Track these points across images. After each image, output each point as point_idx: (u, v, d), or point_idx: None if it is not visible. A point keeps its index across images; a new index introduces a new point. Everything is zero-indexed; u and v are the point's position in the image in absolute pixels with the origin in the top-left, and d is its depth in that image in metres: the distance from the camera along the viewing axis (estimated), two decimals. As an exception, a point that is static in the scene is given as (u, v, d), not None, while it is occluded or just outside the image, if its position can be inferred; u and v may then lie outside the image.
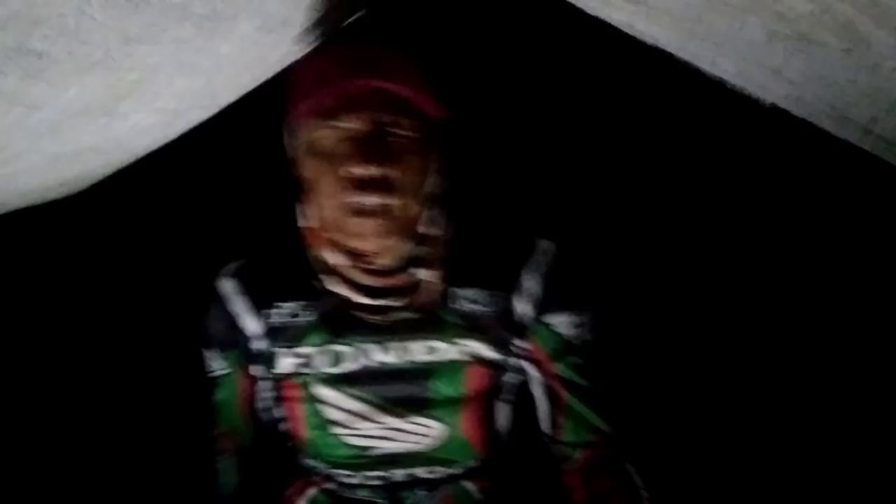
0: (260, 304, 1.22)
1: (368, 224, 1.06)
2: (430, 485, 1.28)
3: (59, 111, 0.81)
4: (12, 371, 1.68)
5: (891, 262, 1.64)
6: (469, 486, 1.30)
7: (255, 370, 1.24)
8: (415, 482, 1.27)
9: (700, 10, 1.01)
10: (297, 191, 1.18)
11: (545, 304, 1.21)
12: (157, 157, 1.41)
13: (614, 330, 1.30)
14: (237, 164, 1.79)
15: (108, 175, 1.45)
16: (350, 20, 1.25)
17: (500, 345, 1.21)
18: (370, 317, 1.17)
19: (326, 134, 1.07)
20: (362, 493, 1.27)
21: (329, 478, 1.29)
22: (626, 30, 1.11)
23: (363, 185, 1.04)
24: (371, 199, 1.04)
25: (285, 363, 1.21)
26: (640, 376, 1.61)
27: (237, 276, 1.24)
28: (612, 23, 1.09)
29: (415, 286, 1.17)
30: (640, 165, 1.81)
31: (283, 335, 1.20)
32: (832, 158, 1.30)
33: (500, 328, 1.21)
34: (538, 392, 1.27)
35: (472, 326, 1.19)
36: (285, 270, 1.22)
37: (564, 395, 1.23)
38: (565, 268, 1.22)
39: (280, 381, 1.23)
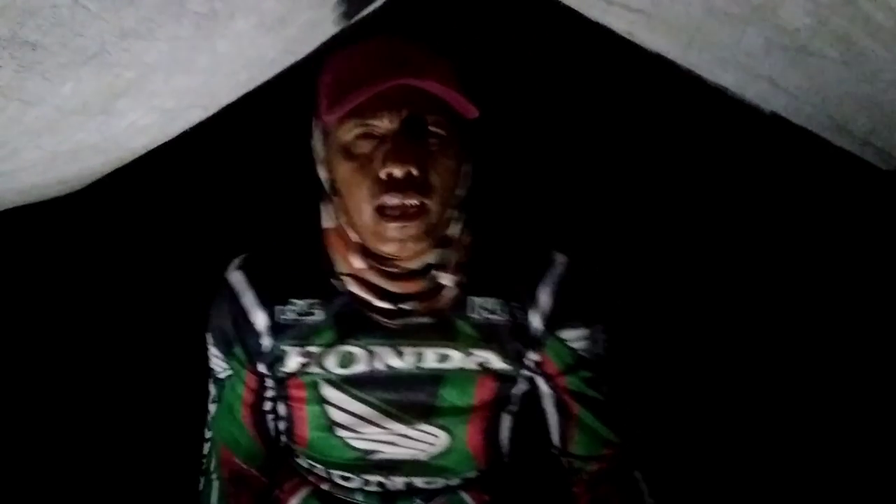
0: (270, 299, 1.17)
1: (405, 228, 1.03)
2: (427, 495, 1.26)
3: (55, 108, 0.81)
4: (13, 367, 1.68)
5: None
6: (466, 498, 1.28)
7: (261, 367, 1.20)
8: (412, 491, 1.26)
9: (699, 20, 1.02)
10: (317, 191, 1.15)
11: (557, 319, 1.18)
12: (156, 154, 1.41)
13: (625, 344, 1.29)
14: (241, 162, 1.79)
15: (107, 173, 1.45)
16: (365, 13, 1.23)
17: (513, 357, 1.19)
18: (386, 320, 1.13)
19: (360, 135, 1.04)
20: (358, 498, 1.26)
21: (325, 479, 1.28)
22: (628, 37, 1.11)
23: (400, 185, 1.01)
24: (410, 200, 1.01)
25: (293, 362, 1.17)
26: (650, 389, 1.61)
27: (244, 268, 1.20)
28: (615, 30, 1.10)
29: (434, 291, 1.13)
30: (649, 176, 1.80)
31: (291, 333, 1.17)
32: (835, 165, 1.29)
33: (513, 340, 1.18)
34: (549, 405, 1.26)
35: (486, 336, 1.17)
36: (297, 267, 1.19)
37: (575, 408, 1.22)
38: (578, 282, 1.21)
39: (286, 379, 1.20)
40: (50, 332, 1.74)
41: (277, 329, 1.17)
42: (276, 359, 1.18)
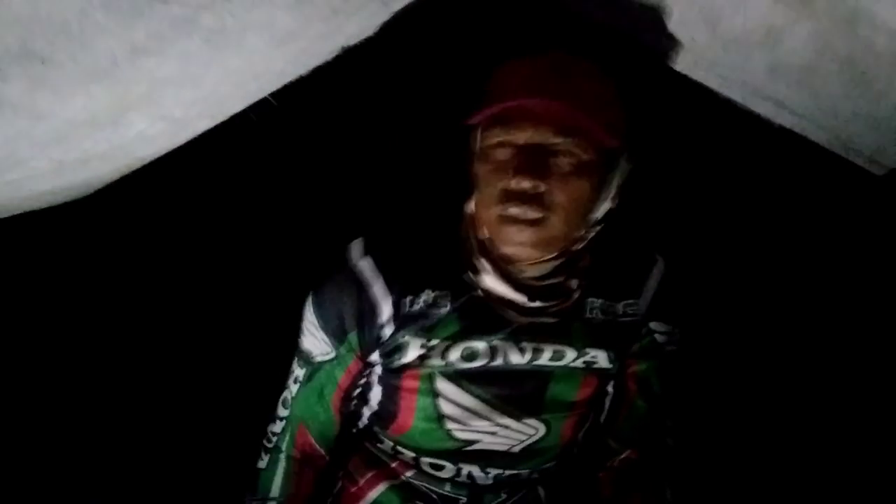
0: (398, 289, 1.18)
1: (521, 233, 1.06)
2: (511, 488, 1.30)
3: (65, 121, 0.81)
4: (18, 371, 1.69)
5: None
6: (542, 492, 1.34)
7: (376, 357, 1.22)
8: (500, 484, 1.30)
9: (704, 43, 1.02)
10: (466, 186, 1.19)
11: (651, 312, 1.25)
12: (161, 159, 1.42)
13: (700, 348, 1.37)
14: (246, 166, 1.79)
15: (114, 180, 1.45)
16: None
17: (619, 356, 1.25)
18: (515, 315, 1.17)
19: (497, 141, 1.07)
20: (447, 489, 1.28)
21: (411, 466, 1.29)
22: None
23: (522, 197, 1.04)
24: (527, 214, 1.05)
25: (414, 352, 1.18)
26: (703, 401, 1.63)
27: (373, 255, 1.20)
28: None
29: (562, 292, 1.18)
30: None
31: (417, 323, 1.18)
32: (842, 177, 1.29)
33: (622, 338, 1.24)
34: (610, 385, 1.30)
35: (598, 336, 1.22)
36: (428, 258, 1.20)
37: (634, 391, 1.28)
38: (673, 283, 1.27)
39: (401, 370, 1.21)
40: (55, 337, 1.75)
41: (403, 319, 1.18)
42: (395, 348, 1.19)
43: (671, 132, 1.76)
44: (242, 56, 0.97)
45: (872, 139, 1.15)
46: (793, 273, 1.75)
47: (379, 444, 1.32)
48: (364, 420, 1.32)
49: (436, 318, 1.18)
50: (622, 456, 1.28)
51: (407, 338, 1.18)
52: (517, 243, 1.07)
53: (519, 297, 1.14)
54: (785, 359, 1.77)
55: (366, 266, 1.19)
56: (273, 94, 1.34)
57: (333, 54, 1.30)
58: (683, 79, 1.12)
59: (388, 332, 1.19)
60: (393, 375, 1.22)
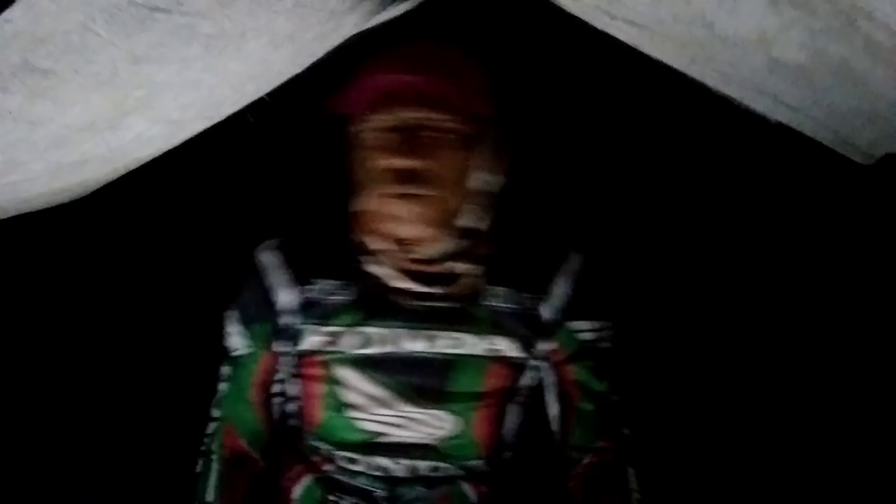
0: (298, 278, 1.23)
1: (406, 207, 1.09)
2: (430, 482, 1.29)
3: (63, 126, 0.81)
4: (17, 371, 1.68)
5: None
6: (468, 488, 1.31)
7: (279, 346, 1.25)
8: (417, 478, 1.28)
9: (701, 40, 1.02)
10: (348, 179, 1.21)
11: (570, 311, 1.25)
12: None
13: (630, 340, 1.34)
14: (247, 162, 1.79)
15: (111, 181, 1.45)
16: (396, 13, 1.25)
17: (525, 345, 1.25)
18: (407, 302, 1.20)
19: (368, 128, 1.11)
20: (361, 481, 1.28)
21: (330, 461, 1.29)
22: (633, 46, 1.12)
23: (400, 176, 1.08)
24: (407, 189, 1.08)
25: (312, 340, 1.22)
26: (652, 386, 1.62)
27: (279, 249, 1.25)
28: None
29: (454, 278, 1.20)
30: (659, 179, 1.81)
31: (314, 311, 1.22)
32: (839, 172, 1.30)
33: (526, 329, 1.24)
34: (552, 394, 1.31)
35: (500, 324, 1.22)
36: (325, 249, 1.25)
37: (577, 397, 1.27)
38: (591, 278, 1.27)
39: (302, 357, 1.24)
40: (54, 337, 1.75)
41: (300, 308, 1.22)
42: (295, 336, 1.22)
43: (668, 131, 1.76)
44: (241, 59, 0.97)
45: (869, 133, 1.16)
46: (789, 269, 1.75)
47: (302, 441, 1.33)
48: (289, 419, 1.34)
49: (332, 306, 1.21)
50: (585, 461, 1.26)
51: (306, 325, 1.22)
52: (405, 220, 1.10)
53: (406, 285, 1.17)
54: (783, 356, 1.77)
55: (266, 257, 1.24)
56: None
57: (328, 52, 1.30)
58: (680, 76, 1.12)
59: (289, 321, 1.22)
60: (296, 364, 1.25)
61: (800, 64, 1.00)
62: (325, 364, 1.23)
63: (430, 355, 1.21)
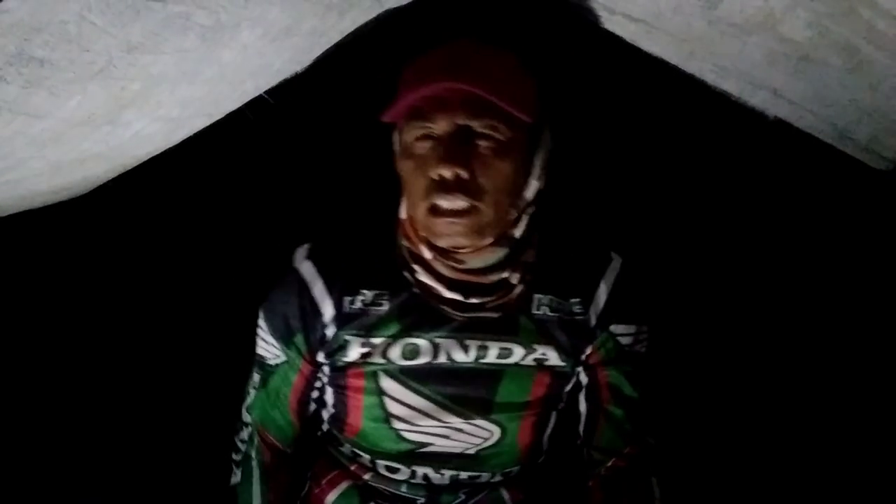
0: (339, 289, 1.19)
1: (453, 226, 1.07)
2: (471, 490, 1.29)
3: (62, 120, 0.81)
4: (16, 370, 1.69)
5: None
6: (505, 495, 1.32)
7: (320, 356, 1.22)
8: (457, 485, 1.29)
9: (700, 32, 1.02)
10: (387, 184, 1.19)
11: (610, 314, 1.23)
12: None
13: (663, 346, 1.33)
14: (249, 164, 1.80)
15: (110, 178, 1.45)
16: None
17: (571, 353, 1.23)
18: (453, 312, 1.16)
19: (417, 136, 1.08)
20: (402, 490, 1.28)
21: (369, 469, 1.29)
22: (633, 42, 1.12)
23: (447, 187, 1.05)
24: (455, 203, 1.05)
25: (355, 351, 1.19)
26: (686, 394, 1.63)
27: (313, 258, 1.22)
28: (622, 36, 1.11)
29: (501, 286, 1.16)
30: (664, 179, 1.81)
31: (357, 322, 1.19)
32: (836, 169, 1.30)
33: (572, 335, 1.22)
34: (582, 395, 1.28)
35: (547, 332, 1.20)
36: (367, 258, 1.21)
37: (608, 400, 1.25)
38: (632, 281, 1.25)
39: (345, 368, 1.22)
40: (52, 335, 1.75)
41: (343, 319, 1.19)
42: (338, 348, 1.20)
43: (666, 129, 1.76)
44: (236, 51, 0.97)
45: (868, 127, 1.15)
46: (792, 268, 1.75)
47: (340, 448, 1.32)
48: (325, 424, 1.33)
49: (376, 316, 1.18)
50: (609, 464, 1.25)
51: (348, 337, 1.19)
52: (450, 234, 1.08)
53: (454, 295, 1.14)
54: (781, 355, 1.77)
55: (307, 268, 1.20)
56: (268, 92, 1.35)
57: (327, 51, 1.30)
58: (677, 73, 1.12)
59: (331, 332, 1.20)
60: (339, 375, 1.23)
61: (801, 52, 1.00)
62: (369, 375, 1.21)
63: (477, 366, 1.20)
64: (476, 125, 1.05)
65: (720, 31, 1.03)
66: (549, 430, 1.32)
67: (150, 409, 1.76)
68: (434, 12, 1.42)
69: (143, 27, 0.69)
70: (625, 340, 1.24)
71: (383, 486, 1.29)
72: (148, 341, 1.80)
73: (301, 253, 1.23)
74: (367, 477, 1.30)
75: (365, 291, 1.19)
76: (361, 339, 1.18)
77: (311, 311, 1.19)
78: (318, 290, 1.19)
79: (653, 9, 1.04)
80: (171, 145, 1.36)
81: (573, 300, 1.21)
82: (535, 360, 1.20)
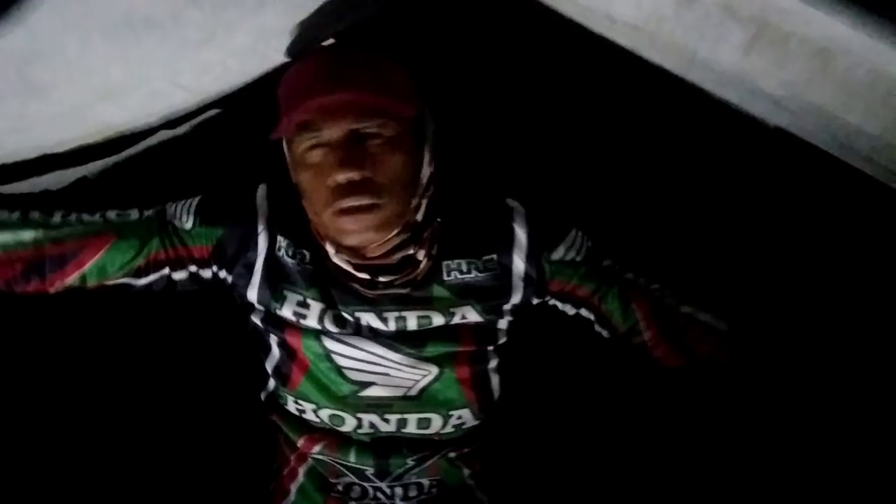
0: (277, 232, 1.28)
1: (360, 220, 1.12)
2: (421, 456, 1.34)
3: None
4: (15, 370, 1.71)
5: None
6: (458, 462, 1.37)
7: (255, 294, 1.28)
8: (406, 443, 1.33)
9: (700, 42, 1.01)
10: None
11: (539, 246, 1.30)
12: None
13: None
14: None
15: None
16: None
17: (490, 309, 1.29)
18: (365, 290, 1.24)
19: (311, 146, 1.13)
20: (351, 459, 1.33)
21: (315, 433, 1.34)
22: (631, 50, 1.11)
23: (349, 190, 1.11)
24: (360, 201, 1.11)
25: (289, 309, 1.26)
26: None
27: (269, 197, 1.30)
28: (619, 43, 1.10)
29: (408, 263, 1.24)
30: (659, 185, 1.82)
31: (286, 275, 1.26)
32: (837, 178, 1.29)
33: (492, 291, 1.28)
34: (583, 314, 1.35)
35: (462, 294, 1.27)
36: (302, 223, 1.27)
37: (599, 300, 1.32)
38: (539, 212, 1.32)
39: (283, 325, 1.28)
40: (52, 335, 1.77)
41: (272, 262, 1.27)
42: (273, 296, 1.27)
43: (667, 137, 1.74)
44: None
45: (868, 138, 1.15)
46: (791, 277, 1.74)
47: (285, 408, 1.36)
48: (269, 380, 1.37)
49: (307, 278, 1.26)
50: (646, 334, 1.32)
51: (285, 290, 1.26)
52: (357, 231, 1.14)
53: (363, 275, 1.22)
54: (780, 363, 1.77)
55: (261, 201, 1.29)
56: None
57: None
58: (679, 82, 1.12)
59: (258, 267, 1.27)
60: (276, 328, 1.29)
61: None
62: (308, 333, 1.28)
63: (401, 332, 1.27)
64: (364, 127, 1.11)
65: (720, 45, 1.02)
66: (491, 366, 1.36)
67: (150, 410, 1.78)
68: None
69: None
70: (570, 256, 1.30)
71: (332, 459, 1.34)
72: (149, 340, 1.83)
73: (262, 189, 1.30)
74: (316, 450, 1.34)
75: (303, 251, 1.27)
76: (297, 298, 1.25)
77: (247, 232, 1.26)
78: (263, 221, 1.27)
79: (656, 16, 1.03)
80: (188, 110, 1.35)
81: (486, 257, 1.28)
82: (456, 323, 1.27)
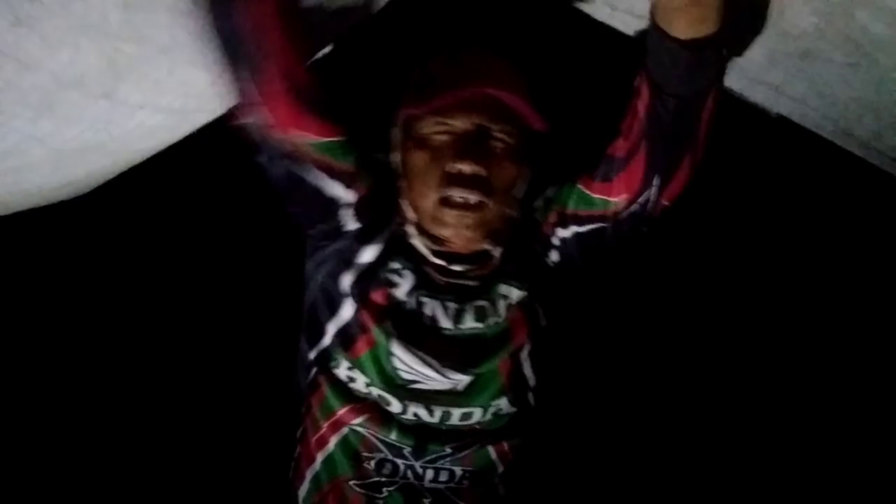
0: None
1: (463, 218, 1.14)
2: (459, 445, 1.30)
3: (52, 76, 0.81)
4: (16, 369, 1.69)
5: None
6: (492, 453, 1.34)
7: (370, 254, 1.25)
8: (448, 434, 1.30)
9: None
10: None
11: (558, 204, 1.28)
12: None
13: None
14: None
15: (115, 175, 1.45)
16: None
17: (524, 277, 1.28)
18: (437, 276, 1.24)
19: (437, 130, 1.15)
20: (392, 437, 1.28)
21: (360, 403, 1.29)
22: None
23: (462, 180, 1.12)
24: (471, 196, 1.12)
25: (389, 272, 1.24)
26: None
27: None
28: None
29: (483, 258, 1.24)
30: None
31: (397, 254, 1.24)
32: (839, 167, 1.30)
33: (528, 260, 1.28)
34: (591, 227, 1.27)
35: (506, 275, 1.26)
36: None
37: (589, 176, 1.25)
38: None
39: (368, 301, 1.25)
40: (52, 334, 1.76)
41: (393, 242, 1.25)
42: (383, 270, 1.24)
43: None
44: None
45: (870, 123, 1.15)
46: (793, 263, 1.74)
47: (335, 371, 1.31)
48: (327, 339, 1.31)
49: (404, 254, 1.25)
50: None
51: (394, 257, 1.24)
52: (455, 226, 1.15)
53: (439, 261, 1.21)
54: (780, 353, 1.75)
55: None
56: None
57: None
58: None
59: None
60: (364, 288, 1.25)
61: (803, 49, 1.01)
62: (376, 321, 1.24)
63: (457, 332, 1.25)
64: (493, 128, 1.14)
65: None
66: (524, 354, 1.32)
67: (150, 410, 1.76)
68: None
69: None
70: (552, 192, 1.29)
71: (372, 433, 1.29)
72: (150, 340, 1.81)
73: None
74: (357, 421, 1.29)
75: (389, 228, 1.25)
76: (397, 266, 1.23)
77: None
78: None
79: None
80: (173, 141, 1.36)
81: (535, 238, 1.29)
82: (507, 307, 1.26)
